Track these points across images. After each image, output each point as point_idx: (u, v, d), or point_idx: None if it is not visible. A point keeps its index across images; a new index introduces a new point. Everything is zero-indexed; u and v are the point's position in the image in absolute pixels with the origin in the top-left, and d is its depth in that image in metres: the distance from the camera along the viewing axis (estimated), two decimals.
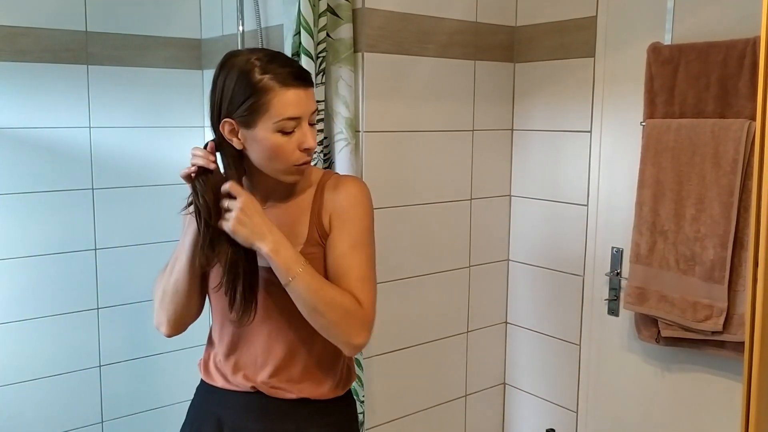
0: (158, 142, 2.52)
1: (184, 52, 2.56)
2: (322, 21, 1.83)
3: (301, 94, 1.23)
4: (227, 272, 1.26)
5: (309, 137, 1.25)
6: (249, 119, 1.22)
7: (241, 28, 2.27)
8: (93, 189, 2.40)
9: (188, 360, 2.62)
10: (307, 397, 1.33)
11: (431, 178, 2.14)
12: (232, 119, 1.23)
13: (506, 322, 2.44)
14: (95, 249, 2.42)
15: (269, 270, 1.26)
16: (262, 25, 2.21)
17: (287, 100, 1.21)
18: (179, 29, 2.54)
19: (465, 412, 2.36)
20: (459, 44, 2.14)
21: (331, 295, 1.23)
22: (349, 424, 1.43)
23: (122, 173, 2.45)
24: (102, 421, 2.48)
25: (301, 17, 1.78)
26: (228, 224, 1.22)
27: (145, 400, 2.57)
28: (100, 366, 2.46)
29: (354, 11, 1.90)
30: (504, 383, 2.46)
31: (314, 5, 1.79)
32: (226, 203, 1.23)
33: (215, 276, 1.31)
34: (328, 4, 1.85)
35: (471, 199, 2.26)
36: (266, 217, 1.23)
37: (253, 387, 1.34)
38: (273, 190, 1.32)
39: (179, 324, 1.35)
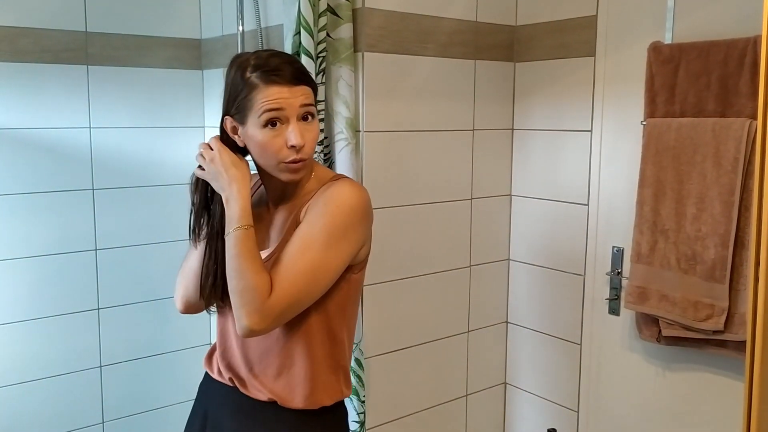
0: (158, 142, 2.52)
1: (184, 52, 2.56)
2: (322, 21, 1.83)
3: (284, 91, 1.23)
4: (206, 257, 1.31)
5: (295, 133, 1.23)
6: (240, 116, 1.25)
7: (240, 28, 2.27)
8: (93, 189, 2.40)
9: (189, 360, 2.62)
10: (276, 401, 1.30)
11: (432, 178, 2.14)
12: (231, 116, 1.27)
13: (507, 322, 2.43)
14: (95, 249, 2.42)
15: None
16: (262, 25, 2.20)
17: (267, 95, 1.22)
18: (179, 29, 2.54)
19: (466, 411, 2.36)
20: (459, 44, 2.14)
21: (247, 267, 1.20)
22: None
23: (122, 173, 2.45)
24: (103, 422, 2.48)
25: (301, 17, 1.78)
26: (200, 171, 1.30)
27: (145, 400, 2.57)
28: (100, 366, 2.46)
29: (354, 11, 1.89)
30: (505, 383, 2.46)
31: (314, 5, 1.79)
32: (200, 151, 1.31)
33: None
34: (328, 4, 1.84)
35: (471, 198, 2.26)
36: (236, 169, 1.27)
37: (231, 379, 1.35)
38: (282, 192, 1.34)
39: (191, 305, 1.39)
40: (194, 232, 1.34)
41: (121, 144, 2.44)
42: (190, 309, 1.39)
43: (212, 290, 1.31)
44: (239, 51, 2.23)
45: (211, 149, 1.30)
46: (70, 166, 2.34)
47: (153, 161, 2.51)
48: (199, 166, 1.32)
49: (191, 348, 2.64)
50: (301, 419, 1.31)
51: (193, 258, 1.36)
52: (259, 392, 1.32)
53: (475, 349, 2.35)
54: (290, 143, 1.23)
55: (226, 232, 1.24)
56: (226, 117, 1.28)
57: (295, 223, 1.28)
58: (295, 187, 1.33)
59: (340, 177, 1.36)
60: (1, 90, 2.20)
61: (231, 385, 1.35)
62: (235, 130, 1.28)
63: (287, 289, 1.20)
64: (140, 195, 2.49)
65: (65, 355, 2.38)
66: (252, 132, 1.24)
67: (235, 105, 1.25)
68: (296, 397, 1.30)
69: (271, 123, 1.23)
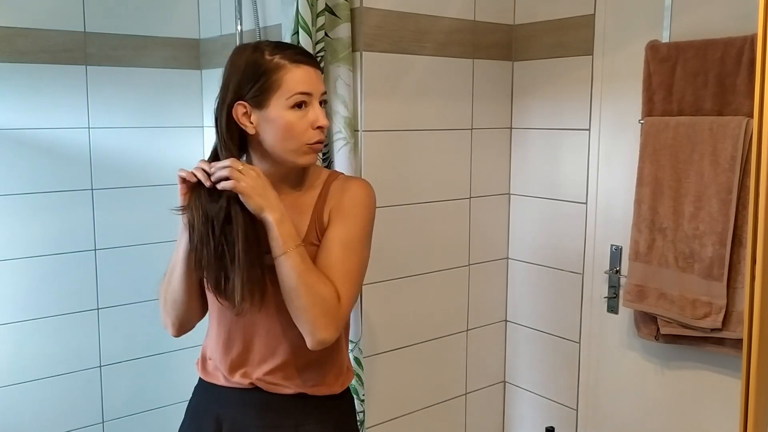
0: (157, 142, 2.52)
1: (183, 52, 2.56)
2: (321, 20, 1.84)
3: (311, 71, 1.28)
4: (243, 256, 1.24)
5: (321, 115, 1.28)
6: (261, 99, 1.25)
7: (239, 27, 2.27)
8: (92, 189, 2.40)
9: (188, 360, 2.61)
10: (305, 393, 1.34)
11: (430, 177, 2.14)
12: (245, 101, 1.25)
13: (506, 320, 2.44)
14: (95, 249, 2.42)
15: (271, 268, 1.27)
16: (261, 25, 2.21)
17: (298, 77, 1.25)
18: (177, 29, 2.54)
19: (465, 410, 2.36)
20: (457, 43, 2.14)
21: (314, 280, 1.22)
22: (348, 422, 1.44)
23: (121, 174, 2.45)
24: (103, 422, 2.48)
25: (300, 17, 1.78)
26: (242, 186, 1.21)
27: (145, 400, 2.57)
28: (100, 366, 2.47)
29: (352, 10, 1.90)
30: (504, 381, 2.47)
31: (312, 5, 1.79)
32: (226, 168, 1.22)
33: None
34: (326, 4, 1.85)
35: (470, 197, 2.27)
36: (274, 191, 1.25)
37: (252, 384, 1.35)
38: (281, 184, 1.33)
39: (185, 326, 1.39)
40: (216, 249, 1.25)
41: (120, 144, 2.44)
42: (185, 331, 1.40)
43: (255, 297, 1.27)
44: None
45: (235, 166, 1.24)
46: (69, 166, 2.34)
47: (152, 161, 2.51)
48: (192, 180, 1.28)
49: (191, 348, 2.64)
50: (326, 403, 1.37)
51: (177, 289, 1.32)
52: (286, 389, 1.34)
53: (474, 348, 2.35)
54: (318, 124, 1.27)
55: (281, 252, 1.21)
56: (239, 103, 1.25)
57: (318, 224, 1.31)
58: (293, 180, 1.34)
59: (340, 174, 1.42)
60: (0, 91, 2.20)
61: (251, 387, 1.36)
62: (247, 117, 1.26)
63: (350, 293, 1.27)
64: (139, 195, 2.49)
65: (65, 355, 2.38)
66: (276, 114, 1.25)
67: (254, 88, 1.24)
68: (325, 387, 1.36)
69: (298, 105, 1.25)
